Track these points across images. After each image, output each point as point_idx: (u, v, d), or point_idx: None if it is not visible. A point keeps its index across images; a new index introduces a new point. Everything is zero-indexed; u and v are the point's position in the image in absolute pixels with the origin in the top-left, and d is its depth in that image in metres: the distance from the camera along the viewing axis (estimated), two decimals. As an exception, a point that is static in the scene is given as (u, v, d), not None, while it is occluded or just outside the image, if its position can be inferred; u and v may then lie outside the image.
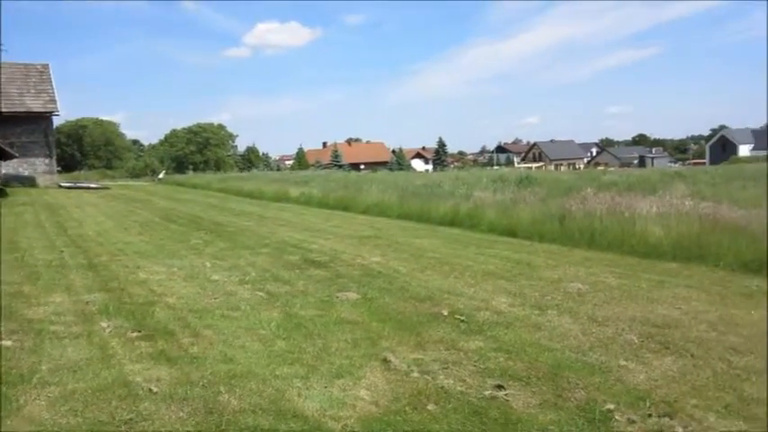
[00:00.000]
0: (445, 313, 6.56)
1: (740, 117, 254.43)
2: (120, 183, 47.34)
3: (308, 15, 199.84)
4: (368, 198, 21.02)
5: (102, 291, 7.82)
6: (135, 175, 69.58)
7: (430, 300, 7.24)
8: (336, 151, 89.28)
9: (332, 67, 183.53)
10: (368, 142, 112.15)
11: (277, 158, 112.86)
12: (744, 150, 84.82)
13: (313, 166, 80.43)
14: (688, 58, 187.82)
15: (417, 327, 6.09)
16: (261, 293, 7.70)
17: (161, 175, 56.17)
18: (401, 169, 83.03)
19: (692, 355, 5.12)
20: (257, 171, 69.27)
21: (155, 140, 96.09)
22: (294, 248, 11.60)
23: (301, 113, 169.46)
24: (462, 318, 6.34)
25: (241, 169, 76.99)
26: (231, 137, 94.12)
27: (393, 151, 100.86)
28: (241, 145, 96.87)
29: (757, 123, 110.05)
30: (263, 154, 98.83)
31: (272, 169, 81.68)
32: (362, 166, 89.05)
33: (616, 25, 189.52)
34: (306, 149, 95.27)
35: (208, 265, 9.85)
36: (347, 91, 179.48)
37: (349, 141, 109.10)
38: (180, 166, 79.97)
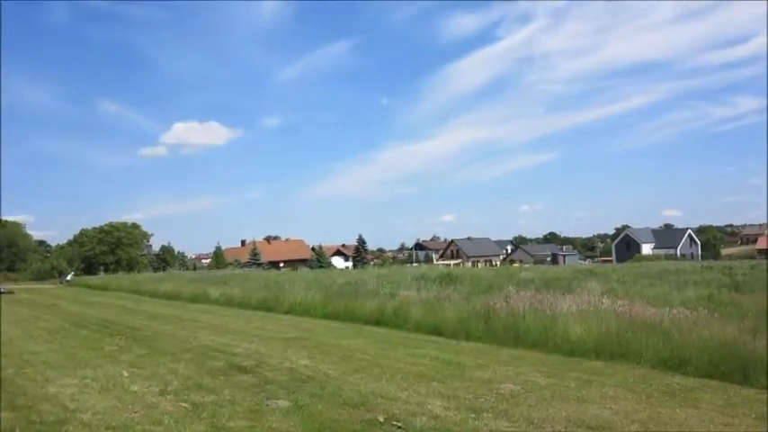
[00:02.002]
0: (381, 419, 6.41)
1: (642, 217, 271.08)
2: (23, 286, 44.74)
3: (228, 116, 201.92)
4: (291, 298, 20.73)
5: (7, 409, 7.20)
6: (40, 277, 66.06)
7: (364, 405, 7.07)
8: (255, 249, 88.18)
9: (251, 165, 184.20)
10: (287, 240, 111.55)
11: (194, 257, 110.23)
12: (646, 249, 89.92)
13: (231, 264, 78.90)
14: (587, 162, 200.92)
15: (354, 436, 5.90)
16: (185, 404, 7.30)
17: (69, 277, 53.60)
18: (321, 267, 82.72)
19: (628, 456, 5.18)
20: (173, 270, 67.26)
21: (63, 241, 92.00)
22: (217, 353, 11.18)
23: (219, 211, 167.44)
24: (399, 424, 6.20)
25: (155, 269, 74.51)
26: (145, 236, 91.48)
27: (313, 248, 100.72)
28: (156, 244, 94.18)
29: (656, 224, 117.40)
30: (179, 253, 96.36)
31: (188, 268, 79.52)
32: (282, 264, 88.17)
33: (520, 131, 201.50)
34: (224, 248, 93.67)
35: (125, 374, 9.32)
36: (267, 189, 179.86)
37: (268, 239, 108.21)
38: (90, 266, 76.74)
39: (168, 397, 7.74)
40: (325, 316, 17.51)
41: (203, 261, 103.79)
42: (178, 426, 6.38)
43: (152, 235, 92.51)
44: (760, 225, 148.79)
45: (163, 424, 6.45)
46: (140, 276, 47.65)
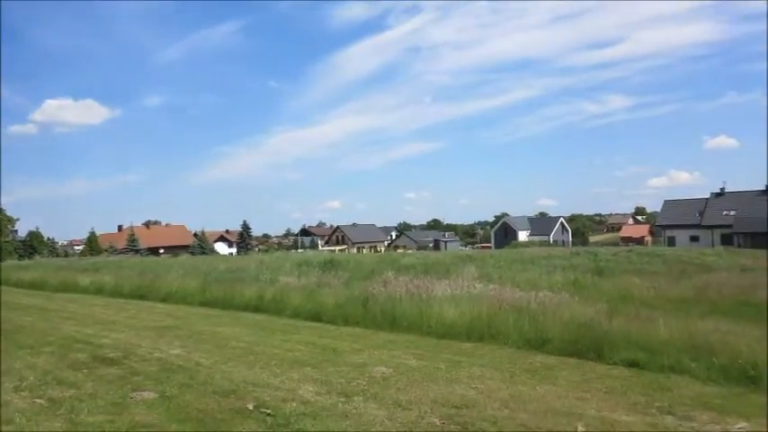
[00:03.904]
0: (251, 407, 6.32)
1: (519, 205, 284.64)
2: None
3: (107, 94, 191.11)
4: (167, 285, 19.96)
5: None
6: None
7: (234, 393, 6.94)
8: (133, 235, 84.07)
9: (131, 147, 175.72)
10: (168, 225, 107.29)
11: (65, 243, 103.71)
12: (522, 236, 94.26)
13: (106, 251, 74.89)
14: (471, 152, 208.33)
15: (221, 425, 5.79)
16: (40, 401, 6.84)
17: None
18: (204, 253, 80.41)
19: (487, 434, 5.41)
20: (41, 258, 62.93)
21: None
22: (82, 345, 10.59)
23: (94, 195, 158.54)
24: (269, 411, 6.14)
25: (21, 256, 69.34)
26: (10, 221, 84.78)
27: (195, 234, 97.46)
28: (22, 229, 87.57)
29: (532, 212, 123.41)
30: (49, 239, 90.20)
31: (58, 255, 74.70)
32: (162, 251, 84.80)
33: (407, 119, 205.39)
34: (98, 233, 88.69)
35: (-26, 369, 8.61)
36: (147, 172, 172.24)
37: (147, 224, 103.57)
38: (-56, 253, 70.20)
39: (23, 393, 7.23)
40: (203, 304, 17.02)
41: (76, 248, 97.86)
42: (30, 423, 5.98)
43: (17, 219, 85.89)
44: (624, 214, 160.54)
45: (14, 422, 6.02)
46: (2, 265, 44.18)
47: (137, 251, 76.62)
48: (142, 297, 19.53)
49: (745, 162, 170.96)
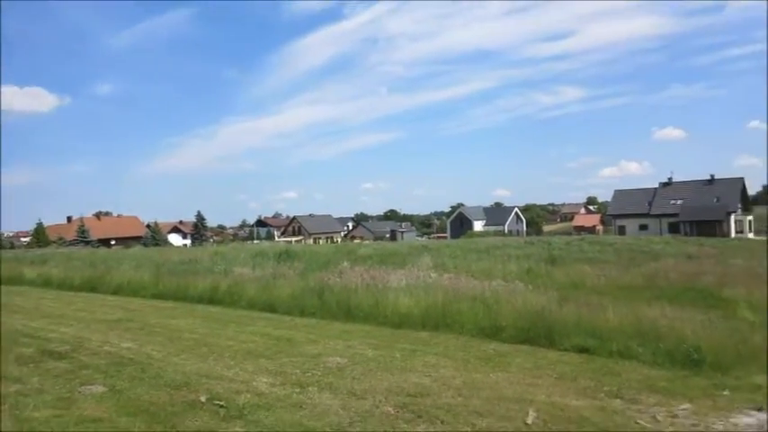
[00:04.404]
0: (203, 399, 6.24)
1: (475, 196, 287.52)
2: None
3: (55, 81, 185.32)
4: (119, 277, 19.54)
5: None
6: None
7: (187, 386, 6.85)
8: (83, 226, 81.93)
9: (81, 136, 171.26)
10: (119, 216, 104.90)
11: (11, 235, 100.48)
12: (478, 226, 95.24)
13: (55, 242, 72.89)
14: (427, 142, 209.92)
15: (172, 418, 5.70)
16: (-17, 396, 6.63)
17: None
18: (157, 244, 78.88)
19: (441, 422, 5.46)
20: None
21: None
22: (28, 339, 10.28)
23: (42, 185, 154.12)
24: (221, 403, 6.08)
25: (-37, 248, 66.99)
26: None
27: (148, 225, 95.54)
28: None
29: (488, 202, 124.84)
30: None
31: (3, 247, 72.36)
32: (114, 242, 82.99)
33: (364, 110, 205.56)
34: (46, 224, 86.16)
35: None
36: (98, 162, 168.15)
37: (98, 215, 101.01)
38: None
39: (-36, 389, 6.99)
40: (156, 296, 16.72)
41: (22, 239, 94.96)
42: (-28, 420, 5.78)
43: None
44: (576, 204, 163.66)
45: (-46, 419, 5.82)
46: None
47: (87, 243, 74.74)
48: (93, 290, 19.08)
49: (692, 152, 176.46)
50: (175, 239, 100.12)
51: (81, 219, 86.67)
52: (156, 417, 5.76)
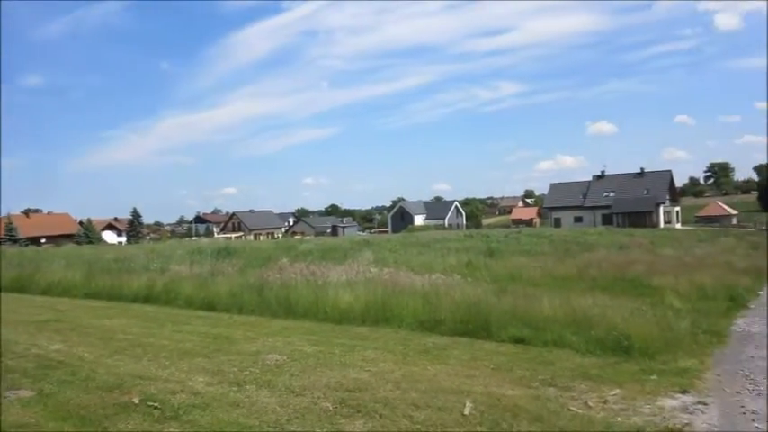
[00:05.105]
0: (136, 401, 6.08)
1: (416, 190, 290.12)
2: None
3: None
4: (49, 276, 18.79)
5: None
6: None
7: (119, 388, 6.65)
8: (11, 224, 78.53)
9: (7, 129, 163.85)
10: (50, 213, 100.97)
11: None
12: (419, 220, 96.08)
13: (-21, 241, 69.66)
14: (368, 137, 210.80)
15: (103, 421, 5.53)
16: None
17: None
18: (90, 242, 76.38)
19: (379, 416, 5.48)
20: None
21: None
22: (-51, 343, 9.78)
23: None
24: (156, 404, 5.93)
25: None
26: None
27: (81, 223, 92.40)
28: None
29: (428, 197, 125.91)
30: None
31: None
32: (44, 240, 79.77)
33: (305, 104, 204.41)
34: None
35: None
36: (26, 157, 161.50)
37: (27, 212, 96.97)
38: None
39: None
40: (88, 295, 16.18)
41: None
42: None
43: None
44: (514, 197, 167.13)
45: None
46: None
47: (15, 241, 71.59)
48: (20, 290, 18.29)
49: (623, 146, 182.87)
50: (110, 237, 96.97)
51: (9, 216, 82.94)
52: (87, 420, 5.58)
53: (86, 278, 17.63)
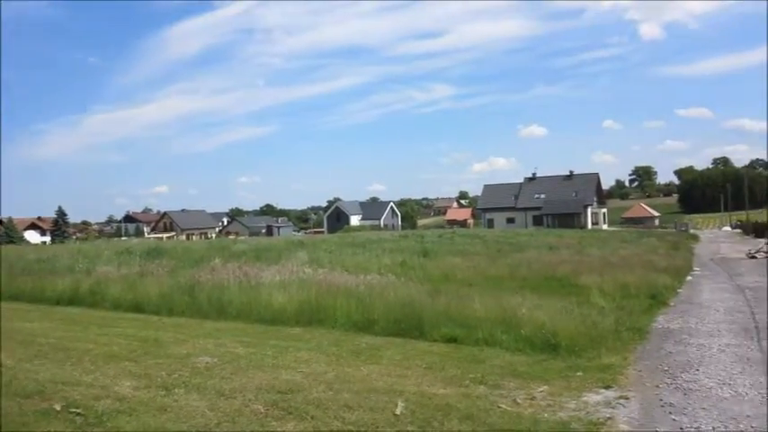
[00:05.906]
0: (58, 408, 5.83)
1: (352, 191, 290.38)
2: None
3: None
4: (-37, 279, 17.88)
5: None
6: None
7: (40, 394, 6.36)
8: None
9: None
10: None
11: None
12: (354, 220, 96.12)
13: None
14: (304, 136, 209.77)
15: (21, 429, 5.28)
16: None
17: None
18: (12, 242, 73.00)
19: (311, 417, 5.45)
20: None
21: None
22: None
23: None
24: (78, 410, 5.71)
25: None
26: None
27: (1, 221, 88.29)
28: None
29: (364, 197, 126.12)
30: None
31: None
32: (-41, 241, 75.84)
33: (240, 102, 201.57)
34: None
35: None
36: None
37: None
38: None
39: None
40: (8, 298, 15.46)
41: None
42: None
43: None
44: (449, 198, 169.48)
45: None
46: None
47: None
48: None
49: (554, 148, 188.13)
50: (33, 237, 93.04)
51: None
52: (4, 429, 5.32)
53: (6, 279, 16.87)
